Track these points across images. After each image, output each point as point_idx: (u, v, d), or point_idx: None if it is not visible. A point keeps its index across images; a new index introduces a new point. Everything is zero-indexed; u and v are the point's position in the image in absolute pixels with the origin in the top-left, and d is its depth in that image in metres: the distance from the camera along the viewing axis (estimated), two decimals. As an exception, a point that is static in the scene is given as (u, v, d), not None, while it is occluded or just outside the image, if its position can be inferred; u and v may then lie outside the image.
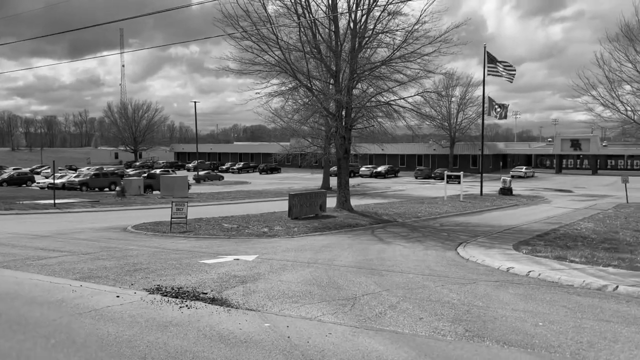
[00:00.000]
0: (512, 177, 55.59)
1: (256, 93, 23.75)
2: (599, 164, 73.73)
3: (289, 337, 6.63)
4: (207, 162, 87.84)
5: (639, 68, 33.06)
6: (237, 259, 12.50)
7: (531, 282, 10.29)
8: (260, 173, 77.59)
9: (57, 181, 42.65)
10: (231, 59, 23.97)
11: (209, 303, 8.33)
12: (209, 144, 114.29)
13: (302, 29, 22.62)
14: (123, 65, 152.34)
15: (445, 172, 44.54)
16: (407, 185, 55.80)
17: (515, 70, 36.55)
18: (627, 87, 34.74)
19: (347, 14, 23.10)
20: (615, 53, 33.83)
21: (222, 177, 65.24)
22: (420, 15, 21.82)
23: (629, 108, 34.14)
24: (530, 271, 11.14)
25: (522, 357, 6.04)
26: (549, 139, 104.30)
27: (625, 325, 7.32)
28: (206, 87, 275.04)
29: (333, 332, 6.84)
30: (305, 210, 22.36)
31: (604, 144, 77.97)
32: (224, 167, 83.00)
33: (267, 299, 8.61)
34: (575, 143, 73.35)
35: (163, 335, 6.68)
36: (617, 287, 9.51)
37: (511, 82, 37.04)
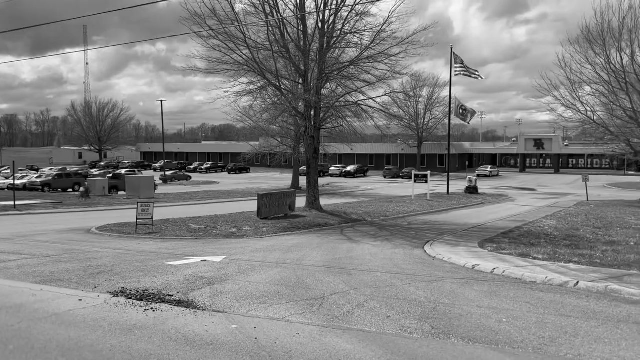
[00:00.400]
0: (478, 176, 56.67)
1: (224, 92, 23.55)
2: (560, 163, 75.87)
3: (256, 338, 6.58)
4: (174, 162, 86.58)
5: (598, 70, 34.23)
6: (205, 260, 12.35)
7: (496, 279, 10.49)
8: (229, 173, 76.92)
9: (18, 182, 41.31)
10: (198, 57, 23.76)
11: (175, 305, 8.19)
12: (176, 143, 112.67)
13: (270, 28, 22.51)
14: (87, 63, 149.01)
15: (413, 171, 45.09)
16: (376, 184, 56.22)
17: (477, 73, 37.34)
18: (587, 88, 35.94)
19: (316, 14, 23.11)
20: (576, 55, 34.98)
21: (190, 177, 64.40)
22: (388, 16, 22.02)
23: (588, 108, 35.33)
24: (494, 268, 11.37)
25: (487, 353, 6.14)
26: (513, 139, 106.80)
27: (585, 320, 7.53)
28: (173, 85, 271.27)
29: (301, 332, 6.82)
30: (274, 210, 22.27)
31: (565, 144, 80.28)
32: (191, 167, 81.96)
33: (234, 301, 8.52)
34: (539, 143, 75.30)
35: (127, 339, 6.53)
36: (577, 282, 9.79)
37: (481, 78, 37.78)
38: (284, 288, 9.46)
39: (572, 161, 78.14)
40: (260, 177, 68.44)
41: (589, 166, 75.88)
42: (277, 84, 23.51)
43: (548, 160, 78.03)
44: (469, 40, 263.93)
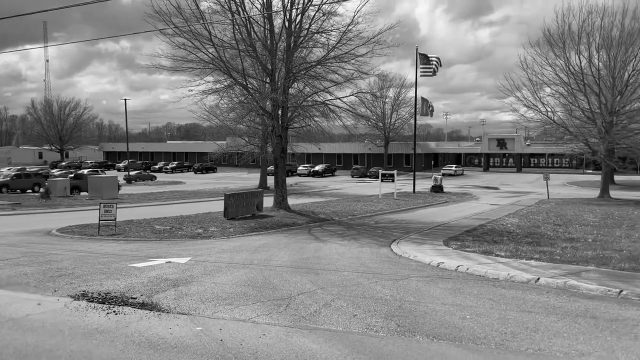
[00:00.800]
0: (443, 175, 57.55)
1: (189, 90, 23.20)
2: (523, 162, 77.82)
3: (221, 340, 6.50)
4: (138, 162, 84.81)
5: (558, 72, 35.31)
6: (170, 262, 12.15)
7: (460, 277, 10.68)
8: (195, 173, 75.91)
9: (-27, 183, 39.72)
10: (163, 55, 23.35)
11: (138, 308, 8.03)
12: (140, 142, 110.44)
13: (236, 27, 22.32)
14: (47, 60, 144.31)
15: (380, 170, 45.47)
16: (344, 183, 56.47)
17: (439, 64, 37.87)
18: (548, 90, 37.07)
19: (282, 13, 23.03)
20: (537, 57, 36.00)
21: (155, 177, 63.27)
22: (354, 16, 22.13)
23: (549, 109, 36.43)
24: (459, 266, 11.57)
25: (450, 349, 6.24)
26: (477, 139, 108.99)
27: (545, 315, 7.74)
28: (138, 84, 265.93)
29: (267, 333, 6.78)
30: (241, 210, 22.10)
31: (527, 143, 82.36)
32: (156, 166, 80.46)
33: (200, 302, 8.41)
34: (501, 142, 77.05)
35: (88, 344, 6.36)
36: (538, 279, 10.06)
37: (436, 71, 38.13)
38: (251, 289, 9.39)
39: (534, 160, 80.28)
40: (227, 177, 67.78)
41: (550, 165, 78.12)
42: (244, 82, 23.33)
43: (511, 160, 79.94)
44: (435, 41, 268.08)
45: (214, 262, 12.27)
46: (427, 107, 41.16)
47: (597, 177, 41.05)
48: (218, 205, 26.47)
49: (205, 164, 79.13)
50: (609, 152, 35.18)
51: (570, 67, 34.42)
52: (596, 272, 10.64)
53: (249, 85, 24.06)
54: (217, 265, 11.74)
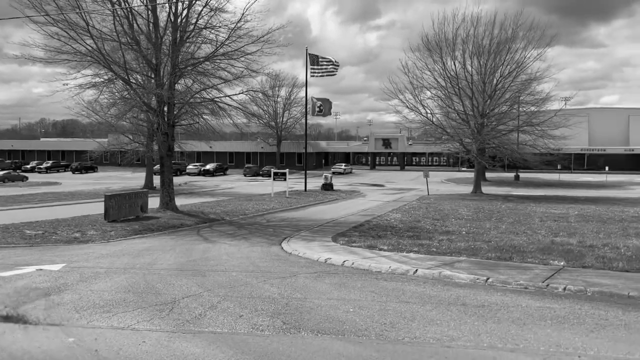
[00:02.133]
0: (333, 173, 59.14)
1: (64, 84, 21.48)
2: (406, 161, 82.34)
3: (96, 350, 6.11)
4: (7, 161, 77.01)
5: (436, 76, 37.86)
6: (41, 270, 11.17)
7: (346, 271, 11.03)
8: (74, 172, 70.54)
9: None
10: (35, 45, 21.33)
11: (1, 322, 7.28)
12: (10, 140, 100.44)
13: (117, 18, 21.08)
14: None
15: (272, 169, 45.58)
16: (236, 182, 55.80)
17: (337, 65, 38.63)
18: (428, 93, 39.57)
19: (168, 6, 22.16)
20: (418, 62, 38.29)
21: (27, 178, 57.79)
22: (243, 13, 21.91)
23: (429, 111, 38.92)
24: (345, 261, 11.95)
25: (334, 343, 6.42)
26: (365, 138, 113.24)
27: (421, 304, 8.25)
28: (7, 75, 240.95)
29: (147, 340, 6.49)
30: (124, 212, 20.94)
31: (410, 143, 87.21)
32: (28, 166, 73.61)
33: (74, 312, 7.83)
34: (387, 142, 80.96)
35: (-64, 367, 5.65)
36: (416, 270, 10.70)
37: (334, 75, 38.99)
38: (132, 295, 8.94)
39: (416, 159, 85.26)
40: (109, 176, 63.86)
41: (430, 163, 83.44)
42: (126, 77, 22.11)
43: (395, 159, 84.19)
44: (326, 43, 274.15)
45: (92, 267, 11.50)
46: (319, 107, 41.79)
47: (471, 174, 44.64)
48: (98, 207, 24.82)
49: (84, 163, 73.63)
50: (480, 151, 38.35)
51: (447, 72, 37.05)
52: (467, 262, 11.56)
53: (133, 80, 22.85)
54: (95, 271, 11.01)
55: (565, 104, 53.66)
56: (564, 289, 9.07)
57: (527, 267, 10.99)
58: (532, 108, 38.93)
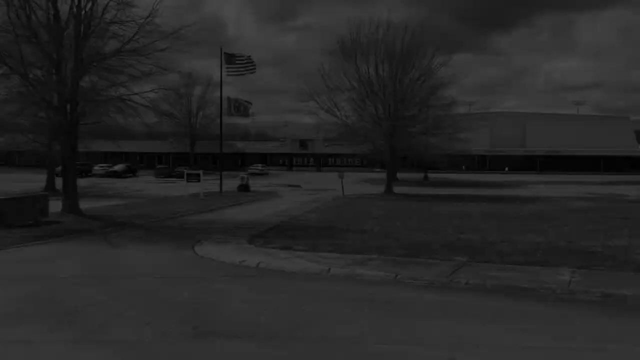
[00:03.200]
0: (250, 174, 58.53)
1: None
2: (322, 162, 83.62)
3: (-15, 368, 5.63)
4: None
5: (351, 79, 38.75)
6: None
7: (261, 273, 10.98)
8: (-36, 174, 64.48)
9: None
10: None
11: None
12: None
13: (12, 8, 19.52)
14: None
15: (186, 170, 44.36)
16: (148, 184, 53.63)
17: (254, 63, 38.17)
18: (343, 95, 40.41)
19: (69, -3, 20.84)
20: (334, 65, 39.00)
21: None
22: (152, 9, 21.12)
23: (344, 113, 39.75)
24: (260, 262, 11.89)
25: (245, 346, 6.37)
26: (282, 139, 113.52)
27: (334, 303, 8.42)
28: None
29: (44, 353, 6.08)
30: (20, 218, 19.43)
31: (326, 145, 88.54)
32: None
33: (-41, 327, 7.15)
34: (304, 143, 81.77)
35: None
36: (329, 269, 10.88)
37: (254, 72, 38.44)
38: (29, 305, 8.32)
39: (332, 160, 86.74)
40: (5, 178, 59.01)
41: (346, 164, 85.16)
42: (24, 72, 20.54)
43: (312, 159, 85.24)
44: (244, 42, 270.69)
45: (-17, 278, 10.56)
46: (236, 107, 41.11)
47: (384, 175, 46.10)
48: (-8, 212, 22.85)
49: (-24, 164, 67.62)
50: (392, 152, 39.76)
51: (361, 75, 38.05)
52: (378, 260, 11.93)
53: (31, 75, 21.27)
54: (-13, 282, 10.13)
55: (470, 108, 57.14)
56: (466, 283, 9.64)
57: (434, 263, 11.55)
58: (440, 112, 40.94)
